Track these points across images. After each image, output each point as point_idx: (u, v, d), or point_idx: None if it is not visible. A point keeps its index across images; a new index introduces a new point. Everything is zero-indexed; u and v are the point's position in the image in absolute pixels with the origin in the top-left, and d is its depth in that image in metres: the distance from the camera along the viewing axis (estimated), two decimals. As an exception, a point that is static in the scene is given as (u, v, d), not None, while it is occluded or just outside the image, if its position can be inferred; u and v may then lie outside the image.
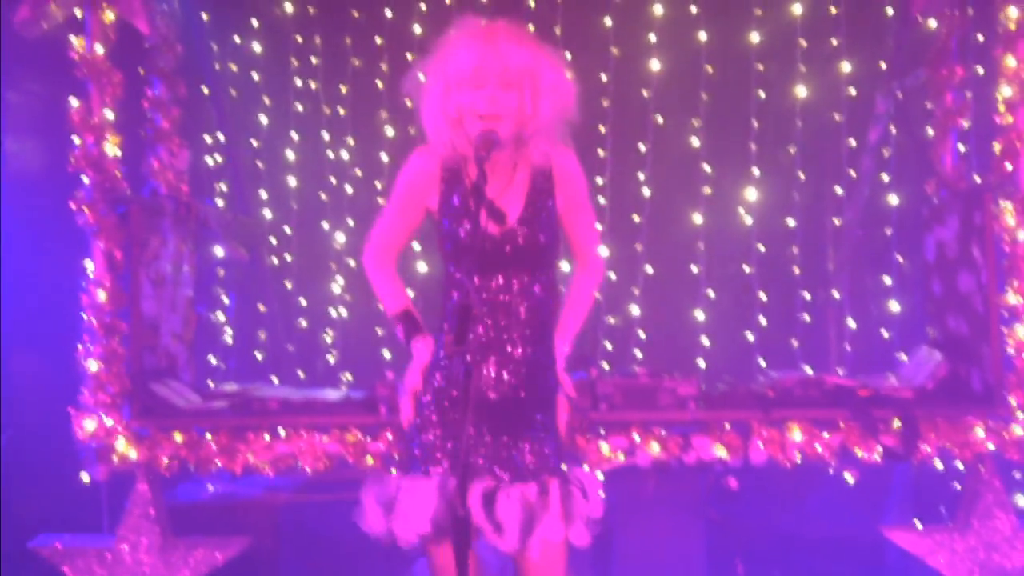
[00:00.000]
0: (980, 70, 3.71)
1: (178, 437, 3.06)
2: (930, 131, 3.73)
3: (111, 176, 3.02)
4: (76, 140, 3.00)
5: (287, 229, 5.08)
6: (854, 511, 3.97)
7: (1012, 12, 3.12)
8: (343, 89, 5.09)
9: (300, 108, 5.15)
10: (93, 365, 3.01)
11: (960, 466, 3.33)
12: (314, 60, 5.12)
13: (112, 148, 3.02)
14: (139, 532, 3.05)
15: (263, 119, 5.08)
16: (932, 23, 3.67)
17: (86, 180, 3.03)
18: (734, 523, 3.60)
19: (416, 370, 2.29)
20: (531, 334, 2.23)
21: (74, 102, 3.00)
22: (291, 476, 3.36)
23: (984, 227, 3.20)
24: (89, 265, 3.06)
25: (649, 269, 4.83)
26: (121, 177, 3.07)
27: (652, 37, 4.84)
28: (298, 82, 5.15)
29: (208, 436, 3.07)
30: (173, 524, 3.19)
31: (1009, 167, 3.13)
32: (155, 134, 3.49)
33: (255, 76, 5.07)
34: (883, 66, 4.49)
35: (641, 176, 4.86)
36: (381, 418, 3.08)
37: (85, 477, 3.08)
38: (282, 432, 3.09)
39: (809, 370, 4.33)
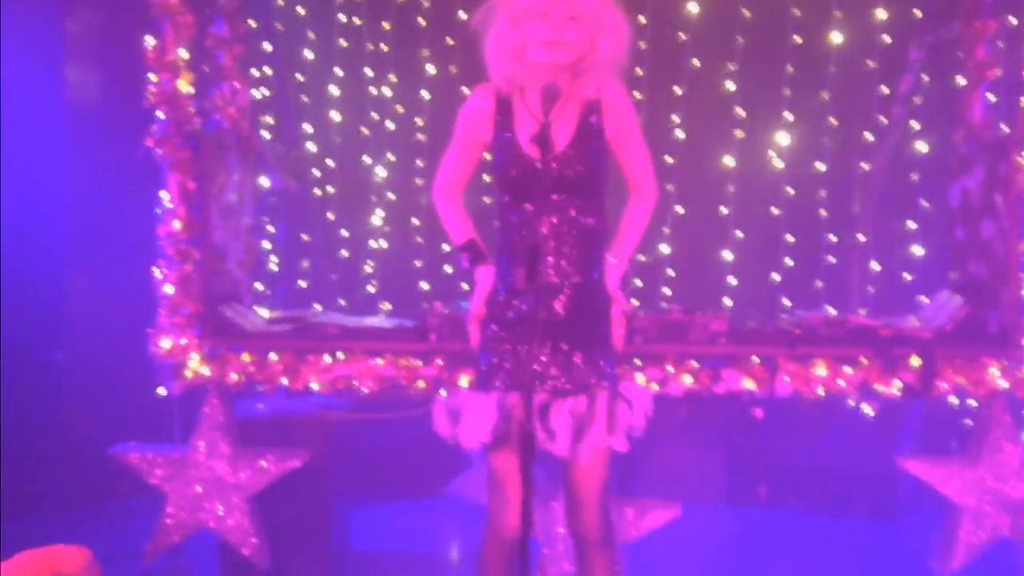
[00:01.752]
0: (1013, 20, 3.82)
1: (246, 357, 3.31)
2: (960, 82, 3.86)
3: (185, 112, 3.21)
4: (153, 78, 3.19)
5: (330, 162, 5.27)
6: (868, 445, 4.19)
7: (1047, -30, 3.23)
8: (386, 26, 5.23)
9: (344, 44, 5.30)
10: (169, 289, 3.25)
11: (972, 403, 3.55)
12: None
13: (185, 85, 3.20)
14: (211, 441, 3.32)
15: (308, 54, 5.23)
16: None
17: (161, 116, 3.22)
18: (757, 451, 3.83)
19: (480, 296, 2.51)
20: (584, 255, 2.42)
21: (150, 41, 3.18)
22: (341, 397, 3.60)
23: (1008, 177, 3.36)
24: (164, 196, 3.27)
25: (680, 209, 4.99)
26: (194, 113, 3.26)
27: (691, -21, 4.92)
28: (342, 18, 5.29)
29: (273, 356, 3.32)
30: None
31: (1034, 121, 3.27)
32: (218, 71, 3.66)
33: (300, 11, 5.21)
34: (918, 15, 4.59)
35: (675, 118, 4.99)
36: (432, 345, 3.31)
37: (161, 391, 3.34)
38: (341, 355, 3.33)
39: (832, 310, 4.52)
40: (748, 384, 3.27)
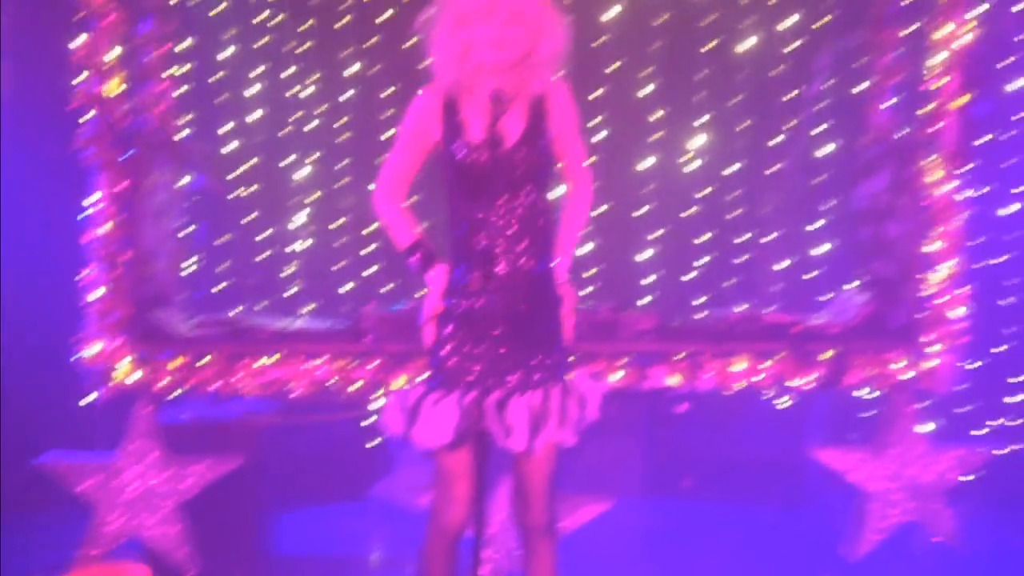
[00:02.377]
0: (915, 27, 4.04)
1: (176, 361, 3.28)
2: (865, 87, 4.08)
3: (115, 112, 3.16)
4: (81, 77, 3.13)
5: (250, 162, 5.21)
6: (777, 436, 4.39)
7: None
8: (308, 24, 5.20)
9: (264, 41, 5.25)
10: (98, 293, 3.19)
11: (870, 395, 3.77)
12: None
13: (116, 85, 3.15)
14: (141, 449, 3.28)
15: (227, 51, 5.17)
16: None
17: (90, 116, 3.16)
18: (678, 444, 3.98)
19: (435, 297, 2.55)
20: (535, 251, 2.49)
21: (79, 39, 3.12)
22: (274, 400, 3.59)
23: (913, 180, 3.58)
24: (93, 198, 3.21)
25: (599, 209, 5.11)
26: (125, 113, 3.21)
27: (609, -15, 5.06)
28: (262, 15, 5.24)
29: (204, 361, 3.30)
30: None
31: (937, 127, 3.49)
32: (145, 69, 3.61)
33: (219, 7, 5.13)
34: (824, 22, 4.82)
35: (595, 120, 5.11)
36: (368, 346, 3.34)
37: (88, 399, 3.28)
38: (273, 358, 3.33)
39: (742, 308, 4.70)
40: (673, 380, 3.41)
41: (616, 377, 3.38)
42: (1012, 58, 4.29)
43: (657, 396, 3.48)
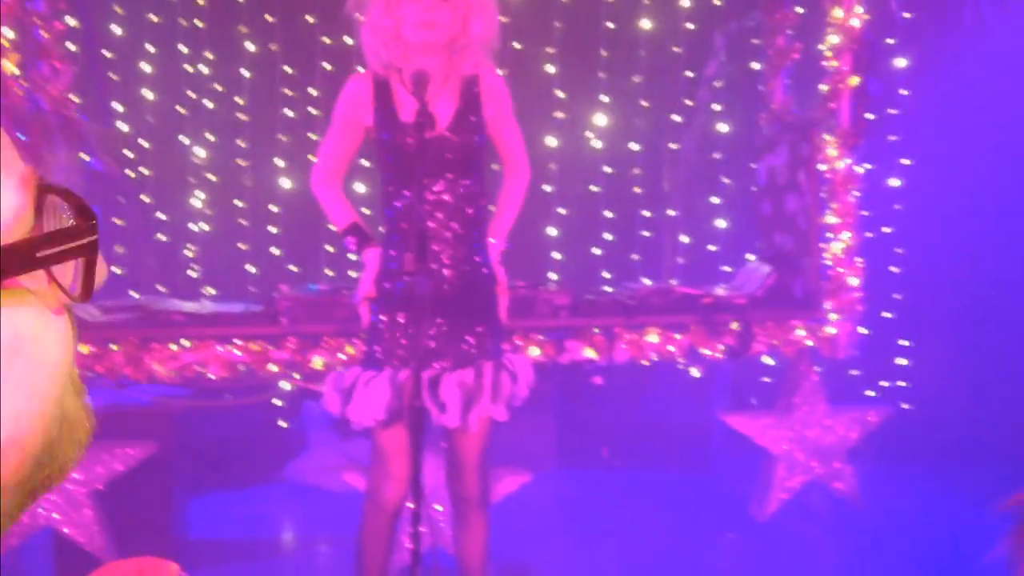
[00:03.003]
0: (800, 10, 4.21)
1: (84, 349, 3.17)
2: (760, 67, 4.23)
3: (11, 93, 3.02)
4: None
5: (144, 143, 5.05)
6: (686, 403, 4.53)
7: (840, -31, 3.60)
8: (201, 1, 5.06)
9: (155, 19, 5.09)
10: (-2, 280, 3.05)
11: (769, 362, 3.94)
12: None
13: (10, 66, 3.01)
14: (50, 440, 3.16)
15: (117, 29, 4.99)
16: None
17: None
18: (592, 416, 4.07)
19: (369, 278, 2.55)
20: (469, 234, 2.52)
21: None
22: (186, 385, 3.52)
23: (810, 157, 3.73)
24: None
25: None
26: (22, 94, 3.07)
27: (510, -34, 5.08)
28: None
29: (114, 347, 3.20)
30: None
31: (832, 106, 3.66)
32: (37, 49, 3.45)
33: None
34: (718, 3, 4.96)
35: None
36: (283, 328, 3.30)
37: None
38: (187, 343, 3.26)
39: (648, 281, 4.83)
40: (590, 353, 3.48)
41: (534, 352, 3.43)
42: (896, 39, 4.50)
43: (574, 369, 3.55)
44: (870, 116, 3.91)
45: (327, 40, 5.07)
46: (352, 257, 2.70)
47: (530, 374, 2.61)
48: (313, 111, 5.02)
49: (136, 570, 0.70)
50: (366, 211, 3.76)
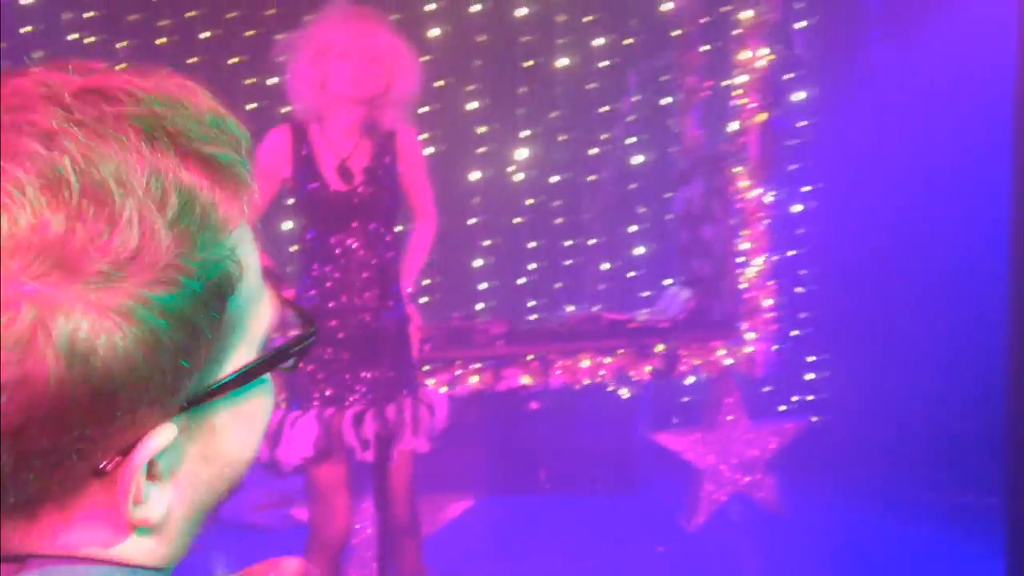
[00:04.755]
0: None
1: None
2: (669, 101, 4.49)
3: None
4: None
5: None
6: (615, 426, 4.72)
7: (748, 13, 3.88)
8: (122, 45, 5.10)
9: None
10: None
11: (691, 381, 4.16)
12: (90, 13, 5.09)
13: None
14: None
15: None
16: (668, 5, 4.42)
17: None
18: (528, 441, 4.22)
19: None
20: (384, 277, 2.64)
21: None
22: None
23: (723, 187, 3.99)
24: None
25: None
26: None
27: (430, 6, 5.26)
28: (73, 36, 5.08)
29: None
30: None
31: (742, 140, 3.92)
32: None
33: (28, 28, 4.94)
34: (629, 42, 5.22)
35: (424, 136, 5.28)
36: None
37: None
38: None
39: (571, 308, 5.02)
40: (526, 380, 3.64)
41: (472, 381, 3.58)
42: (796, 74, 4.82)
43: (511, 396, 3.71)
44: (777, 147, 4.20)
45: (251, 81, 5.16)
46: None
47: (445, 406, 2.77)
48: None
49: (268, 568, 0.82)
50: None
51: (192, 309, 0.53)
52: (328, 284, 2.59)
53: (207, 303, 0.53)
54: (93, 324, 0.49)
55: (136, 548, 0.58)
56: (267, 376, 0.61)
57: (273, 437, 2.59)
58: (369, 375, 2.62)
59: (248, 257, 0.58)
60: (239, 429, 0.61)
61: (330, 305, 2.55)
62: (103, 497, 0.55)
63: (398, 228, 2.78)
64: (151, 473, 0.56)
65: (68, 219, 0.49)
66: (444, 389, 3.55)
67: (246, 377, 0.59)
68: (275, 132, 2.69)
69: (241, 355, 0.59)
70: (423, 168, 2.83)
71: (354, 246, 2.60)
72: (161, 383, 0.53)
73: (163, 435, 0.54)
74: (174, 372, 0.53)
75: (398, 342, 2.68)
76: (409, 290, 2.82)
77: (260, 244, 0.61)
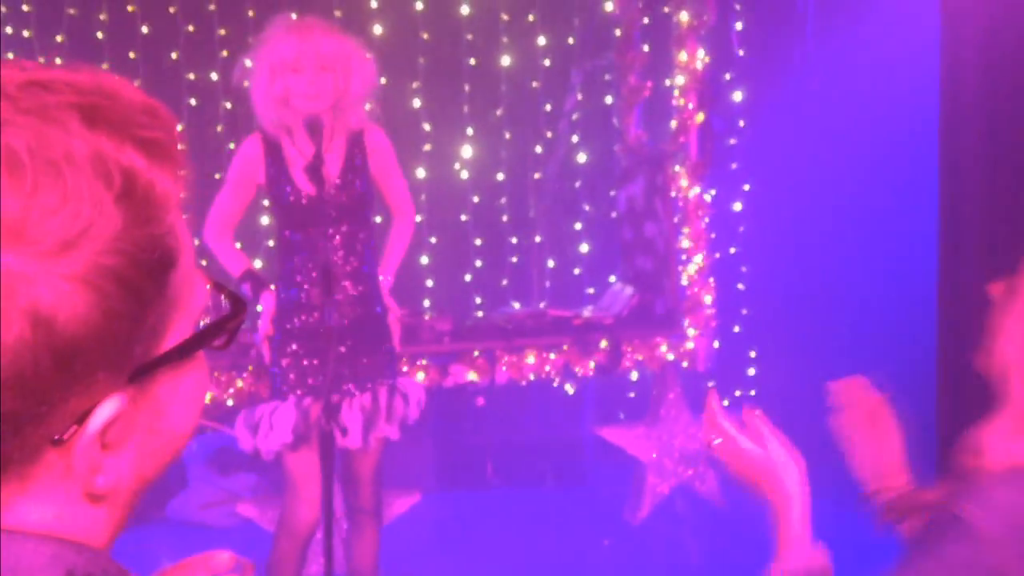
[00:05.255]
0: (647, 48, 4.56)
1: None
2: (612, 100, 4.56)
3: None
4: None
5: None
6: (559, 420, 4.79)
7: (684, 16, 3.96)
8: (59, 38, 5.02)
9: (11, 56, 5.01)
10: None
11: (634, 377, 4.24)
12: (26, 8, 5.00)
13: None
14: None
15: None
16: (609, 6, 4.49)
17: None
18: (476, 434, 4.26)
19: (267, 318, 2.69)
20: (362, 271, 2.71)
21: None
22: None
23: (664, 186, 4.07)
24: None
25: (378, 219, 5.31)
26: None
27: (374, 3, 5.26)
28: (8, 30, 4.99)
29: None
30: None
31: (682, 140, 4.00)
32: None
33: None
34: (571, 42, 5.29)
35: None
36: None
37: None
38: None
39: (517, 305, 5.08)
40: (472, 376, 3.68)
41: (420, 377, 3.60)
42: (733, 75, 4.93)
43: (458, 392, 3.74)
44: (715, 147, 4.29)
45: (192, 76, 5.12)
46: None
47: (421, 395, 2.83)
48: (179, 146, 5.04)
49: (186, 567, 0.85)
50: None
51: (139, 279, 0.57)
52: (306, 279, 2.64)
53: (152, 273, 0.58)
54: (53, 291, 0.54)
55: (85, 521, 0.62)
56: (201, 354, 0.66)
57: (254, 428, 2.64)
58: (348, 364, 2.67)
59: (183, 235, 0.63)
60: (180, 403, 0.65)
61: (309, 299, 2.61)
62: (59, 468, 0.59)
63: (372, 223, 2.87)
64: (104, 443, 0.59)
65: (25, 197, 0.54)
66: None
67: (185, 350, 0.63)
68: (248, 142, 2.79)
69: (179, 331, 0.63)
70: (395, 164, 2.90)
71: (331, 242, 2.66)
72: (114, 349, 0.57)
73: (114, 403, 0.58)
74: (126, 339, 0.58)
75: (377, 332, 2.75)
76: (389, 278, 2.88)
77: (191, 229, 0.65)
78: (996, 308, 1.26)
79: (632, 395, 4.71)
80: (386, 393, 2.73)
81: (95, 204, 0.56)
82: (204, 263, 2.91)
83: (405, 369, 3.60)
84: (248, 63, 2.73)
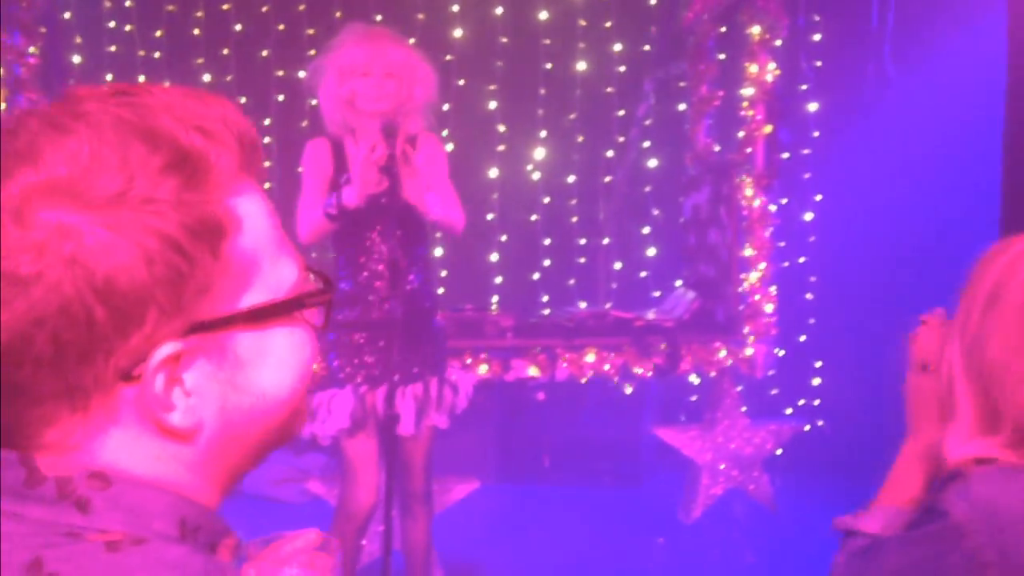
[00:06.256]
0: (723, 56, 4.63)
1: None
2: (685, 109, 4.64)
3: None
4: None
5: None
6: (617, 420, 4.89)
7: (755, 29, 4.02)
8: (158, 33, 5.31)
9: (113, 49, 5.31)
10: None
11: (695, 381, 4.32)
12: (128, 3, 5.30)
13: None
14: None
15: (76, 58, 5.19)
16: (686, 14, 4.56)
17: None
18: (536, 428, 4.39)
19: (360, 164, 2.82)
20: (414, 270, 2.86)
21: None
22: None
23: (729, 195, 4.14)
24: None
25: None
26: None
27: (455, 7, 5.43)
28: (111, 24, 5.30)
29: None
30: None
31: (749, 150, 4.07)
32: (15, 84, 3.67)
33: (66, 15, 5.16)
34: (647, 49, 5.38)
35: (444, 132, 5.45)
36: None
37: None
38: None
39: (583, 305, 5.18)
40: (533, 371, 3.81)
41: (482, 370, 3.75)
42: (807, 86, 4.96)
43: (519, 386, 3.88)
44: (785, 156, 4.34)
45: (280, 73, 5.36)
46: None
47: (469, 388, 2.97)
48: (267, 140, 5.28)
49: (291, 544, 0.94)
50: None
51: (183, 239, 0.65)
52: (363, 274, 2.80)
53: (197, 237, 0.66)
54: (96, 239, 0.63)
55: (188, 476, 0.71)
56: (298, 327, 0.75)
57: (312, 413, 2.80)
58: (402, 355, 2.82)
59: (255, 216, 0.71)
60: (266, 365, 0.73)
61: (364, 294, 2.75)
62: (137, 405, 0.68)
63: (426, 223, 2.97)
64: (183, 387, 0.69)
65: (73, 157, 0.64)
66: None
67: (258, 314, 0.71)
68: (314, 143, 2.96)
69: (259, 298, 0.72)
70: (445, 172, 3.02)
71: (388, 242, 2.79)
72: (164, 298, 0.65)
73: (171, 347, 0.67)
74: (173, 290, 0.66)
75: (430, 324, 2.89)
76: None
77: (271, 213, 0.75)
78: (929, 328, 1.43)
79: (692, 398, 4.78)
80: (436, 383, 2.88)
81: (140, 167, 0.65)
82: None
83: (469, 361, 3.75)
84: (316, 67, 2.89)
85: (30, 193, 0.64)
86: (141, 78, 5.26)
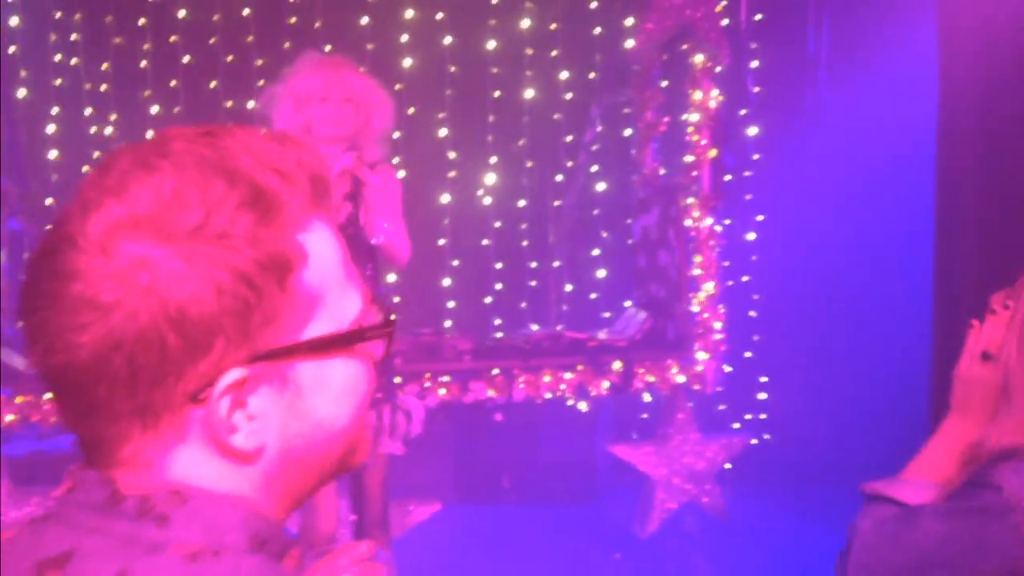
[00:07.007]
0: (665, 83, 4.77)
1: (20, 399, 3.38)
2: (630, 133, 4.77)
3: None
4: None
5: (50, 201, 5.21)
6: (573, 437, 4.96)
7: (699, 57, 4.18)
8: (105, 66, 5.31)
9: (60, 83, 5.30)
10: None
11: (648, 398, 4.42)
12: (74, 36, 5.30)
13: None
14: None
15: (22, 92, 5.17)
16: (630, 44, 4.69)
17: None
18: (494, 449, 4.45)
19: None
20: None
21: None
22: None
23: (677, 217, 4.27)
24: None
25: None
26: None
27: (404, 37, 5.52)
28: (58, 57, 5.29)
29: (48, 395, 3.41)
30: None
31: (695, 174, 4.21)
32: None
33: (11, 49, 5.13)
34: (592, 77, 5.52)
35: (396, 160, 5.52)
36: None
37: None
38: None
39: (535, 327, 5.27)
40: (491, 393, 3.88)
41: (441, 392, 3.81)
42: (748, 110, 5.14)
43: (477, 408, 3.94)
44: (727, 178, 4.50)
45: (229, 103, 5.38)
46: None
47: (422, 413, 3.02)
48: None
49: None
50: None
51: (253, 272, 0.68)
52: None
53: (265, 268, 0.69)
54: (172, 270, 0.67)
55: (256, 492, 0.74)
56: (357, 358, 0.77)
57: None
58: None
59: (322, 250, 0.74)
60: (325, 394, 0.75)
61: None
62: (203, 425, 0.72)
63: (374, 244, 3.00)
64: (246, 412, 0.73)
65: (156, 193, 0.69)
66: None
67: (320, 345, 0.74)
68: None
69: (322, 328, 0.75)
70: (398, 202, 3.07)
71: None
72: (232, 327, 0.69)
73: (237, 373, 0.70)
74: (240, 320, 0.69)
75: None
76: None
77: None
78: (998, 319, 1.34)
79: (644, 415, 4.89)
80: (389, 411, 2.92)
81: (218, 203, 0.68)
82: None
83: (427, 384, 3.80)
84: (272, 93, 2.93)
85: (116, 226, 0.68)
86: (88, 111, 5.26)
